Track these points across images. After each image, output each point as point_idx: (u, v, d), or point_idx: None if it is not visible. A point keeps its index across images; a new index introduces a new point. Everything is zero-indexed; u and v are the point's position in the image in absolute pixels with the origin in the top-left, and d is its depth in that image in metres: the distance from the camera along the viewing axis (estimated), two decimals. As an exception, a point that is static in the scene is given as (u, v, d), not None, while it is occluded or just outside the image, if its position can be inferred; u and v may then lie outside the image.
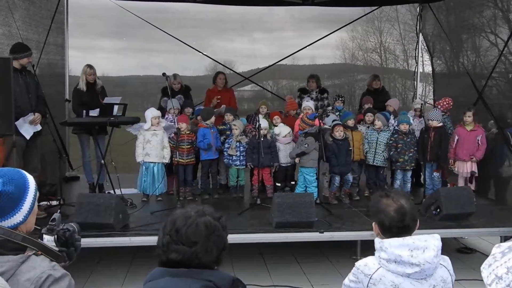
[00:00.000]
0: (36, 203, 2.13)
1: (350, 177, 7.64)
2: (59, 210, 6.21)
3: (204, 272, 1.93)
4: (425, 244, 2.44)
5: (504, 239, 6.06)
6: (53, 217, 2.23)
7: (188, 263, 1.93)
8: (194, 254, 1.92)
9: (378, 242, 2.52)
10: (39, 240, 2.07)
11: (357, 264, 2.58)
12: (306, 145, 7.33)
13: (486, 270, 1.83)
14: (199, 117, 7.88)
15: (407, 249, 2.42)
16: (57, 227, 2.19)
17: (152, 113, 7.41)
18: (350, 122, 7.85)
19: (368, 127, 8.06)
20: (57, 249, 2.10)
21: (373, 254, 2.58)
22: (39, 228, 2.26)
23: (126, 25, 10.30)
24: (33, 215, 2.11)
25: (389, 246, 2.45)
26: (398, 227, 2.51)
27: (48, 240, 2.14)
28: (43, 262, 1.95)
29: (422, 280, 2.45)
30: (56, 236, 2.17)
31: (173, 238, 1.95)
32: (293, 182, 8.09)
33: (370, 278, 2.47)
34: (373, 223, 2.64)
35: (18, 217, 2.03)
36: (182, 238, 1.94)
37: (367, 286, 2.48)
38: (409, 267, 2.41)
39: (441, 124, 7.64)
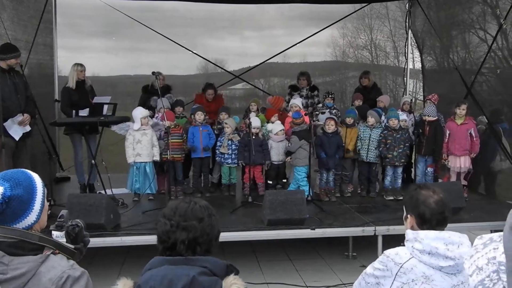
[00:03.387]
0: (46, 200, 2.15)
1: (331, 176, 7.65)
2: (49, 211, 6.18)
3: (199, 259, 2.02)
4: (460, 240, 2.43)
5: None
6: (61, 213, 2.26)
7: (195, 242, 2.04)
8: (203, 229, 2.05)
9: (412, 233, 2.52)
10: (54, 238, 2.11)
11: (386, 252, 2.58)
12: (289, 145, 7.43)
13: (468, 261, 1.84)
14: (193, 116, 7.87)
15: (443, 243, 2.42)
16: (65, 223, 2.21)
17: (141, 113, 7.36)
18: (348, 120, 7.85)
19: (358, 123, 8.08)
20: (72, 246, 2.12)
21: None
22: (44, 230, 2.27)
23: (116, 24, 10.25)
24: (44, 213, 2.13)
25: (425, 238, 2.45)
26: (438, 219, 2.53)
27: (57, 236, 2.17)
28: (62, 261, 1.99)
29: (452, 275, 2.44)
30: (66, 232, 2.19)
31: (181, 219, 2.06)
32: (284, 180, 8.11)
33: (401, 267, 2.47)
34: (408, 215, 2.64)
35: (31, 218, 2.04)
36: (189, 216, 2.06)
37: (396, 275, 2.48)
38: (443, 260, 2.40)
39: (435, 118, 7.68)
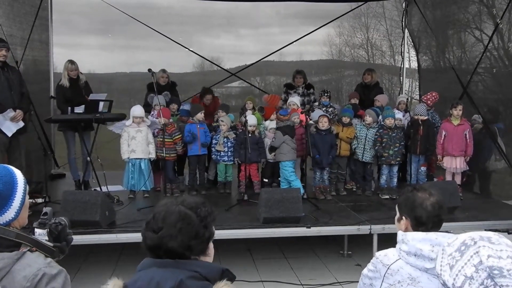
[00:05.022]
0: (27, 197, 2.12)
1: (325, 175, 7.65)
2: (44, 208, 6.16)
3: (191, 263, 1.95)
4: (447, 242, 2.42)
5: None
6: (44, 211, 2.21)
7: (159, 249, 1.96)
8: (160, 239, 1.94)
9: (401, 234, 2.51)
10: (32, 236, 2.07)
11: (376, 254, 2.58)
12: (273, 139, 7.40)
13: (448, 272, 1.77)
14: (185, 117, 7.85)
15: (429, 244, 2.40)
16: (49, 221, 2.18)
17: (134, 111, 7.36)
18: (344, 119, 7.84)
19: (352, 119, 8.06)
20: (51, 244, 2.09)
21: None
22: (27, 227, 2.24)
23: (111, 21, 10.23)
24: (25, 210, 2.10)
25: (411, 239, 2.43)
26: (434, 222, 2.51)
27: (40, 234, 2.13)
28: (38, 259, 1.96)
29: None
30: (48, 230, 2.16)
31: (147, 225, 2.00)
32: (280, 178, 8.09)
33: (388, 268, 2.46)
34: (403, 217, 2.61)
35: (9, 214, 2.02)
36: (152, 224, 1.98)
37: (384, 276, 2.47)
38: (428, 261, 2.39)
39: (426, 117, 7.69)
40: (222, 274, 1.95)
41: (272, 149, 7.41)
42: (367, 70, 9.42)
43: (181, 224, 1.96)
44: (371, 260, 2.61)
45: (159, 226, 1.96)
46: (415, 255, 2.41)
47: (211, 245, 2.06)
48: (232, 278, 1.98)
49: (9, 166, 2.12)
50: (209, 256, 2.05)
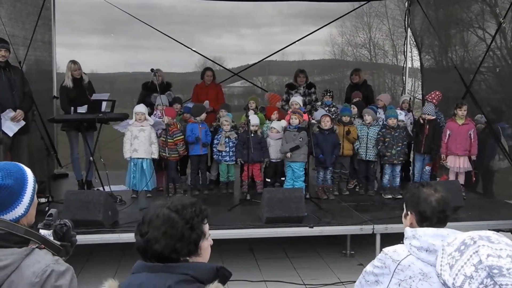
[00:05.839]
0: (36, 196, 2.14)
1: (328, 174, 7.65)
2: (47, 208, 6.17)
3: (180, 265, 1.93)
4: None
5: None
6: (49, 212, 2.23)
7: (146, 251, 1.96)
8: (146, 242, 1.95)
9: (410, 230, 2.50)
10: (41, 233, 2.09)
11: (385, 250, 2.56)
12: (301, 139, 7.31)
13: (448, 271, 1.77)
14: (187, 114, 7.85)
15: (441, 240, 2.38)
16: (54, 222, 2.19)
17: (135, 109, 7.38)
18: (345, 118, 7.83)
19: (353, 118, 8.07)
20: (58, 243, 2.10)
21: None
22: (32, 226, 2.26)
23: (113, 21, 10.25)
24: (33, 208, 2.12)
25: (423, 235, 2.43)
26: (439, 218, 2.53)
27: (45, 235, 2.14)
28: (47, 256, 1.98)
29: None
30: (53, 231, 2.18)
31: (137, 228, 2.00)
32: (283, 178, 8.09)
33: (399, 264, 2.45)
34: (408, 213, 2.63)
35: (19, 210, 2.03)
36: (140, 227, 1.99)
37: (394, 272, 2.45)
38: None
39: (434, 117, 7.70)
40: (217, 273, 1.93)
41: (296, 148, 7.34)
42: (354, 70, 9.62)
43: (165, 227, 1.95)
44: (378, 256, 2.59)
45: (145, 229, 1.97)
46: (426, 251, 2.40)
47: (204, 244, 2.02)
48: (228, 276, 1.96)
49: (19, 164, 2.14)
50: (202, 257, 2.01)
